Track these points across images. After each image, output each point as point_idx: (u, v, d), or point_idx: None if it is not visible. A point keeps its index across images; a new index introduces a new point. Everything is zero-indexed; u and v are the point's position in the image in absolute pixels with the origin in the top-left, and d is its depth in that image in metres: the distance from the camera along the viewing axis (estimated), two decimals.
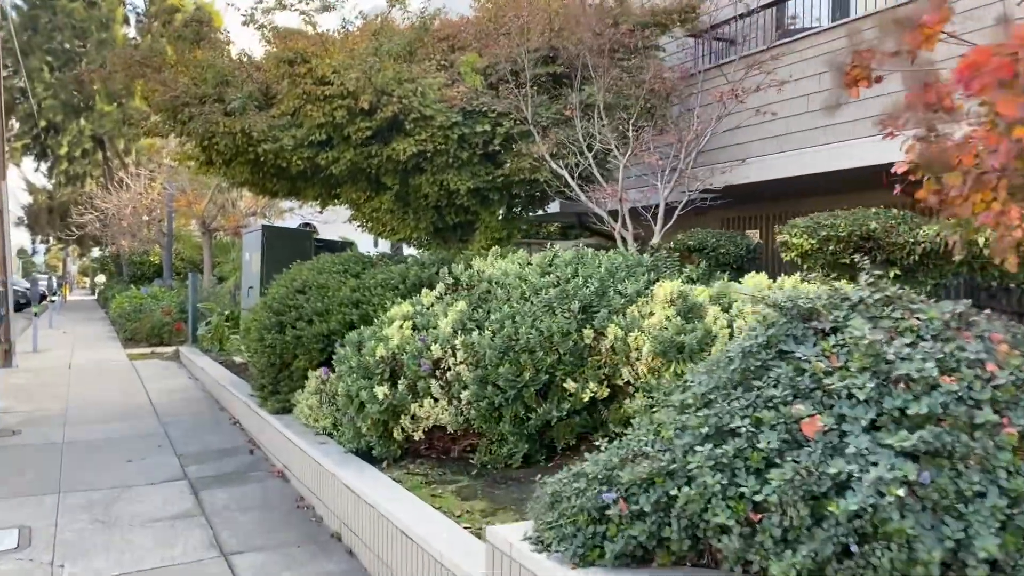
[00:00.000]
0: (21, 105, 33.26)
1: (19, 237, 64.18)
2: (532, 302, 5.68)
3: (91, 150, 35.93)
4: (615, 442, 3.46)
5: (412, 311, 6.37)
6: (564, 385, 5.39)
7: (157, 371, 13.34)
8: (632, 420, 3.77)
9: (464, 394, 5.46)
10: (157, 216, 26.96)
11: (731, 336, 5.14)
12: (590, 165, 8.01)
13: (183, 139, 9.16)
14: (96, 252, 44.73)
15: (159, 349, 16.36)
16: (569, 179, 7.99)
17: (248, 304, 13.97)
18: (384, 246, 20.31)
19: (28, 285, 22.79)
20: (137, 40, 33.28)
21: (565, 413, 5.33)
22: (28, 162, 37.33)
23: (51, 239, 42.93)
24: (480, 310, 6.00)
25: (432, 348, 5.70)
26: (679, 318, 5.23)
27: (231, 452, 7.73)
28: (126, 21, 33.37)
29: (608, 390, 5.41)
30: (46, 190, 38.97)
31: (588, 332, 5.40)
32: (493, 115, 8.50)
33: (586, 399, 5.35)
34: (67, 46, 33.14)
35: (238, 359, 12.63)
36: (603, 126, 7.96)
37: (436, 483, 5.26)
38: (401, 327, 6.09)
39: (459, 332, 5.82)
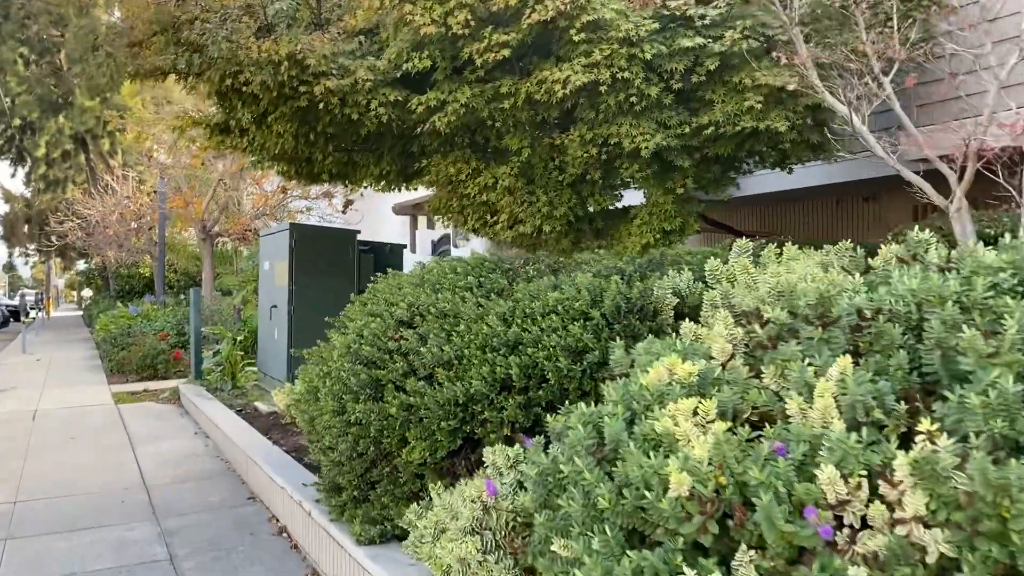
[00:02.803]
0: None
1: None
2: None
3: (72, 152, 32.40)
4: None
5: (694, 372, 3.00)
6: None
7: (152, 423, 9.93)
8: None
9: None
10: (147, 223, 23.55)
11: None
12: (888, 97, 4.69)
13: (191, 81, 5.81)
14: (81, 264, 41.32)
15: (153, 385, 12.94)
16: (852, 117, 4.68)
17: (269, 328, 10.61)
18: (422, 249, 16.95)
19: None
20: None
21: None
22: (3, 168, 33.91)
23: (30, 251, 39.34)
24: (867, 367, 2.66)
25: (823, 477, 2.35)
26: None
27: None
28: (108, 5, 29.81)
29: None
30: (23, 197, 35.38)
31: None
32: (701, 23, 5.18)
33: None
34: (43, 36, 29.63)
35: (262, 406, 9.26)
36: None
37: None
38: (699, 415, 2.74)
39: (863, 427, 2.48)
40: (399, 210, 16.37)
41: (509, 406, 3.99)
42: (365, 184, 8.32)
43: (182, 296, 25.25)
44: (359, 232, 10.32)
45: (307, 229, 10.26)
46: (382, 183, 7.73)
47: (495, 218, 6.42)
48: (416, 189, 8.16)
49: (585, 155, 5.59)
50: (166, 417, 10.28)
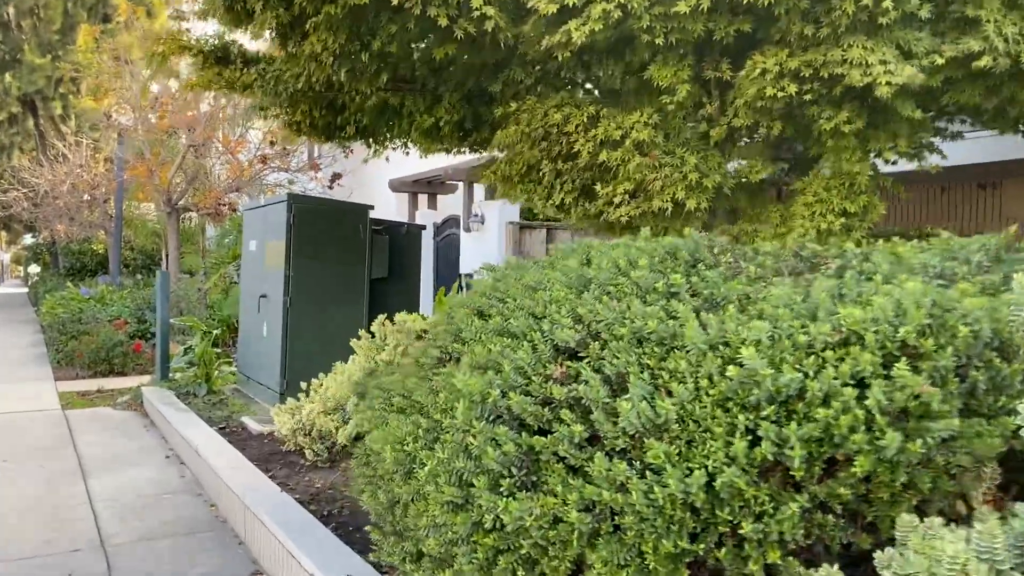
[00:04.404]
0: None
1: None
2: None
3: (20, 116, 29.75)
4: None
5: None
6: None
7: (109, 439, 7.94)
8: None
9: None
10: (103, 194, 21.23)
11: None
12: None
13: None
14: (28, 238, 38.59)
15: (109, 384, 10.88)
16: None
17: (256, 322, 8.67)
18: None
19: None
20: None
21: None
22: None
23: None
24: None
25: None
26: None
27: None
28: None
29: None
30: None
31: None
32: None
33: None
34: None
35: (251, 423, 7.35)
36: None
37: None
38: None
39: None
40: (397, 187, 14.42)
41: (789, 511, 2.19)
42: (396, 144, 6.44)
43: (139, 276, 22.93)
44: (372, 208, 8.41)
45: (309, 201, 8.34)
46: (426, 141, 5.86)
47: (608, 189, 4.58)
48: (466, 151, 6.28)
49: (780, 94, 3.77)
50: (127, 430, 8.28)
